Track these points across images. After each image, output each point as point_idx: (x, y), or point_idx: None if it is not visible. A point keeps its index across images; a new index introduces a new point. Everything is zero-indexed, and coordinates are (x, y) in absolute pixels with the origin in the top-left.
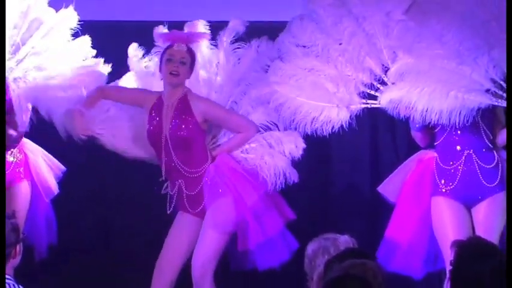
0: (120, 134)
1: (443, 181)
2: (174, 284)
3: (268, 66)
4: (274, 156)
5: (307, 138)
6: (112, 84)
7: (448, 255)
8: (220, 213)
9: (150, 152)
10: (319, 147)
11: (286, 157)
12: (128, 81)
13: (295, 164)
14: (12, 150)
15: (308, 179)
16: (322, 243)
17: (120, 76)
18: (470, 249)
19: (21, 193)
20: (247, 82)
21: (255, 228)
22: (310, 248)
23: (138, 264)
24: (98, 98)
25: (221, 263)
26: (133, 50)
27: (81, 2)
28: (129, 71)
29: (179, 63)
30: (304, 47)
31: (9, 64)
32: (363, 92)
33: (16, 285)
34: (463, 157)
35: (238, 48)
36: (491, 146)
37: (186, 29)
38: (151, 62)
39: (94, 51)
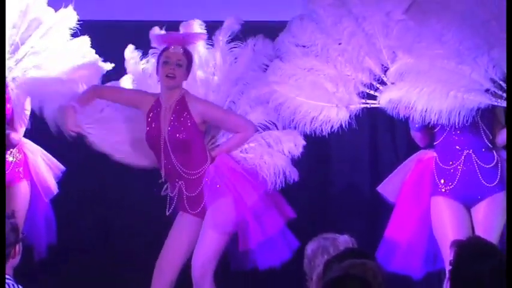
0: (110, 138)
1: (442, 181)
2: (174, 284)
3: (266, 65)
4: (274, 155)
5: (306, 137)
6: (109, 84)
7: (448, 255)
8: (220, 214)
9: (138, 158)
10: (318, 147)
11: (285, 156)
12: (126, 83)
13: (295, 163)
14: (11, 150)
15: (307, 179)
16: (322, 243)
17: (118, 75)
18: (470, 249)
19: (21, 193)
20: (245, 81)
21: (255, 227)
22: (310, 247)
23: (138, 264)
24: (92, 96)
25: (221, 262)
26: (130, 52)
27: (80, 2)
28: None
29: (175, 66)
30: (303, 46)
31: (8, 63)
32: (363, 91)
33: (16, 285)
34: (463, 157)
35: (235, 47)
36: (491, 146)
37: (181, 29)
38: (149, 64)
39: (93, 51)
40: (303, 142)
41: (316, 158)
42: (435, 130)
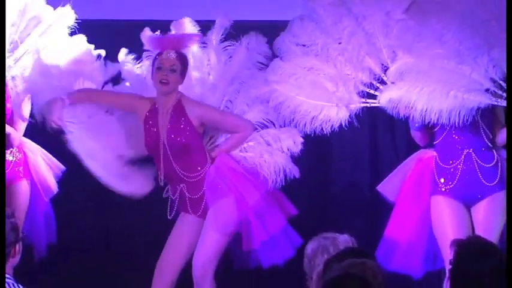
0: (85, 144)
1: (442, 180)
2: (174, 285)
3: (260, 63)
4: (273, 153)
5: (306, 137)
6: (106, 87)
7: (448, 254)
8: (222, 214)
9: (105, 176)
10: (318, 146)
11: (284, 153)
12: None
13: (295, 162)
14: (11, 149)
15: (307, 178)
16: (322, 242)
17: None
18: (470, 248)
19: (21, 192)
20: (241, 80)
21: (258, 227)
22: (310, 247)
23: (138, 264)
24: (86, 97)
25: (224, 262)
26: (124, 56)
27: (78, 2)
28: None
29: (169, 72)
30: (303, 46)
31: (7, 62)
32: (362, 91)
33: (16, 285)
34: (463, 156)
35: (229, 46)
36: (491, 145)
37: (172, 29)
38: (143, 67)
39: (92, 47)
40: (301, 139)
41: (316, 157)
42: (435, 129)
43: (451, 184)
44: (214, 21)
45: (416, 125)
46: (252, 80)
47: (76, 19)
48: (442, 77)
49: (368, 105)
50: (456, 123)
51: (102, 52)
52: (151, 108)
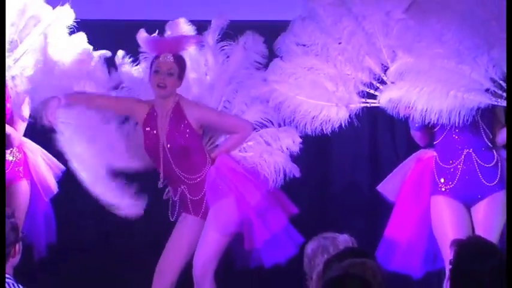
0: (74, 147)
1: (442, 180)
2: (174, 285)
3: (258, 62)
4: (273, 153)
5: (307, 136)
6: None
7: (448, 254)
8: (223, 214)
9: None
10: (318, 146)
11: (284, 153)
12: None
13: (295, 162)
14: (11, 149)
15: (307, 178)
16: (322, 242)
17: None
18: (470, 248)
19: (21, 192)
20: (238, 80)
21: (260, 226)
22: (310, 247)
23: (138, 264)
24: (83, 100)
25: (225, 261)
26: (121, 58)
27: (77, 1)
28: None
29: (166, 75)
30: (304, 45)
31: (6, 62)
32: (362, 91)
33: (16, 284)
34: (463, 156)
35: (226, 46)
36: (491, 145)
37: (168, 31)
38: (140, 68)
39: (91, 47)
40: (300, 139)
41: (316, 157)
42: (435, 129)
43: (451, 184)
44: (203, 21)
45: (416, 125)
46: (250, 79)
47: (75, 19)
48: (442, 76)
49: (368, 105)
50: (456, 123)
51: (108, 53)
52: (149, 111)
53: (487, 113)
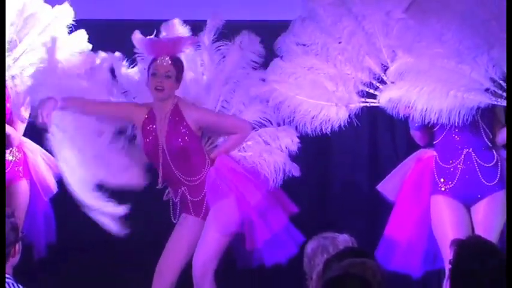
0: (63, 152)
1: (442, 180)
2: (174, 285)
3: (254, 62)
4: (272, 152)
5: (306, 136)
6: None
7: (447, 254)
8: (223, 214)
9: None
10: (318, 146)
11: (283, 152)
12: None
13: (295, 161)
14: (11, 149)
15: (307, 178)
16: (321, 242)
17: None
18: (470, 248)
19: (21, 192)
20: (236, 79)
21: (261, 226)
22: (310, 247)
23: (138, 264)
24: (79, 105)
25: (225, 261)
26: (117, 60)
27: (75, 1)
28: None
29: (163, 78)
30: (304, 45)
31: (6, 61)
32: (362, 90)
33: (15, 284)
34: (463, 156)
35: (222, 46)
36: (491, 145)
37: (162, 31)
38: (137, 69)
39: (90, 46)
40: (297, 139)
41: (316, 156)
42: (435, 129)
43: (450, 184)
44: (198, 20)
45: (416, 124)
46: (247, 79)
47: (74, 18)
48: (442, 76)
49: (368, 104)
50: (456, 123)
51: (117, 54)
52: (148, 114)
53: (487, 113)
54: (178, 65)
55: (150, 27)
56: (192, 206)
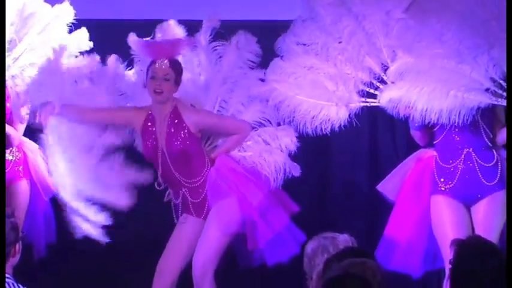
0: (53, 157)
1: (442, 179)
2: (174, 285)
3: (251, 61)
4: (272, 152)
5: (307, 135)
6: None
7: (448, 254)
8: (225, 214)
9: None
10: (318, 146)
11: (283, 152)
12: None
13: (295, 161)
14: (11, 149)
15: (307, 177)
16: (322, 242)
17: None
18: (470, 248)
19: (21, 192)
20: (233, 79)
21: (262, 226)
22: (310, 247)
23: (138, 264)
24: (76, 113)
25: (226, 260)
26: (114, 62)
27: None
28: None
29: (162, 81)
30: (304, 45)
31: (6, 61)
32: (362, 90)
33: (15, 284)
34: (463, 155)
35: (218, 46)
36: (491, 145)
37: (158, 33)
38: (134, 71)
39: (91, 44)
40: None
41: (316, 156)
42: (435, 129)
43: (450, 183)
44: (193, 20)
45: (416, 124)
46: (245, 79)
47: (74, 19)
48: (442, 76)
49: (368, 104)
50: (456, 123)
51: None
52: (147, 117)
53: (487, 113)
54: (177, 67)
55: (150, 27)
56: (193, 207)
